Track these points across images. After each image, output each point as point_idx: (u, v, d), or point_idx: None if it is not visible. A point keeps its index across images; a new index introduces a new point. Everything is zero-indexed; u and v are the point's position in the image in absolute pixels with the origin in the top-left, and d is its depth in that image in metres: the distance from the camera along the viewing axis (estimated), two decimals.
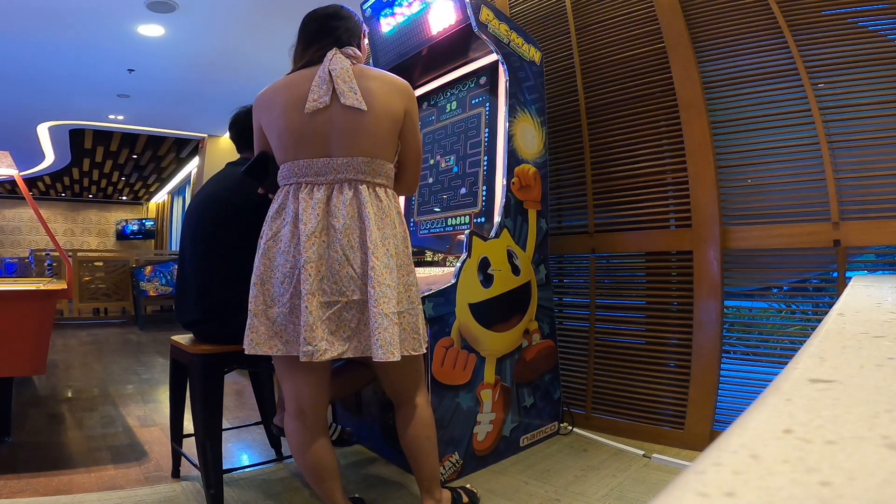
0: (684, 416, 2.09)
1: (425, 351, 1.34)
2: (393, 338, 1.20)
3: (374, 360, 1.20)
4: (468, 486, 1.63)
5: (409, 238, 1.38)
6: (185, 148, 8.60)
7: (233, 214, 1.65)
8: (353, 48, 1.37)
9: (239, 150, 1.89)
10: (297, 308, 1.22)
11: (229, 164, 1.83)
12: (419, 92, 2.57)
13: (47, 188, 12.57)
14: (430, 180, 2.44)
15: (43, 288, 2.03)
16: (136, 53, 4.53)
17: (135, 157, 9.43)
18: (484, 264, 1.92)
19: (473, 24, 1.99)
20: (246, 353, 1.25)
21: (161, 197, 12.72)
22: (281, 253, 1.25)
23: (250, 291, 1.28)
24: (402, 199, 2.44)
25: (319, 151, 1.27)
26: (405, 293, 1.30)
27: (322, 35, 1.35)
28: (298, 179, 1.28)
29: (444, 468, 1.77)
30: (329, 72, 1.28)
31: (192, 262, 1.71)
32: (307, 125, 1.27)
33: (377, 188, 1.30)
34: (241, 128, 1.81)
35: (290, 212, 1.26)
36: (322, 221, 1.23)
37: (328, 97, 1.26)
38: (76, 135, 7.66)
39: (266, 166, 1.38)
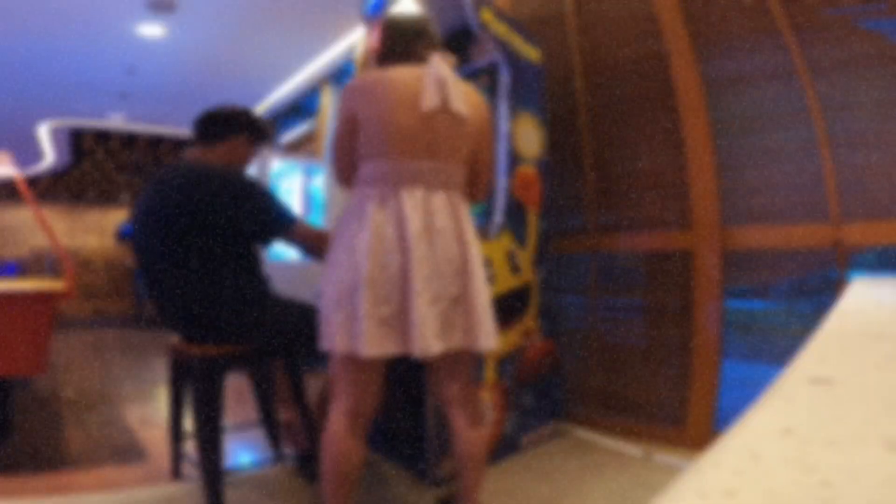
0: (684, 417, 2.09)
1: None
2: (492, 328, 1.30)
3: (479, 349, 1.27)
4: None
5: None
6: (185, 148, 8.59)
7: (203, 218, 1.55)
8: (448, 56, 1.39)
9: (198, 143, 1.83)
10: (406, 307, 1.22)
11: (182, 161, 1.75)
12: None
13: (47, 188, 12.56)
14: None
15: (43, 288, 2.03)
16: (136, 53, 4.53)
17: (135, 157, 9.43)
18: (484, 264, 1.92)
19: (473, 24, 1.99)
20: (367, 354, 1.18)
21: None
22: (388, 253, 1.23)
23: (358, 293, 1.22)
24: None
25: (423, 153, 1.28)
26: (486, 290, 1.36)
27: (421, 37, 1.39)
28: (400, 178, 1.27)
29: (444, 468, 1.77)
30: (441, 76, 1.29)
31: (167, 271, 1.59)
32: (417, 125, 1.27)
33: (460, 192, 1.36)
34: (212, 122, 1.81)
35: (393, 211, 1.25)
36: (425, 221, 1.26)
37: (440, 100, 1.28)
38: (76, 135, 7.66)
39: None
